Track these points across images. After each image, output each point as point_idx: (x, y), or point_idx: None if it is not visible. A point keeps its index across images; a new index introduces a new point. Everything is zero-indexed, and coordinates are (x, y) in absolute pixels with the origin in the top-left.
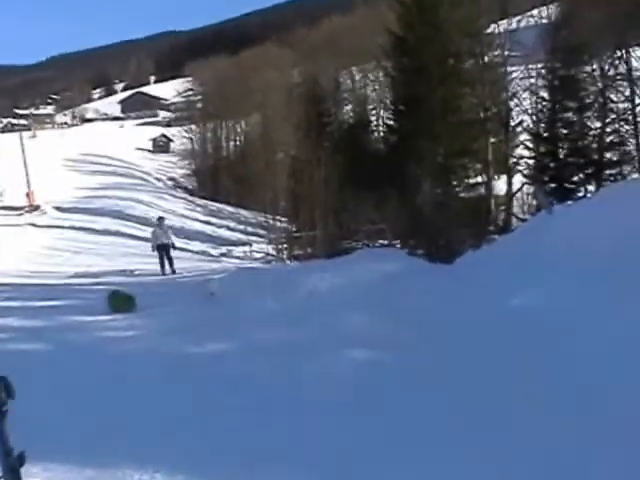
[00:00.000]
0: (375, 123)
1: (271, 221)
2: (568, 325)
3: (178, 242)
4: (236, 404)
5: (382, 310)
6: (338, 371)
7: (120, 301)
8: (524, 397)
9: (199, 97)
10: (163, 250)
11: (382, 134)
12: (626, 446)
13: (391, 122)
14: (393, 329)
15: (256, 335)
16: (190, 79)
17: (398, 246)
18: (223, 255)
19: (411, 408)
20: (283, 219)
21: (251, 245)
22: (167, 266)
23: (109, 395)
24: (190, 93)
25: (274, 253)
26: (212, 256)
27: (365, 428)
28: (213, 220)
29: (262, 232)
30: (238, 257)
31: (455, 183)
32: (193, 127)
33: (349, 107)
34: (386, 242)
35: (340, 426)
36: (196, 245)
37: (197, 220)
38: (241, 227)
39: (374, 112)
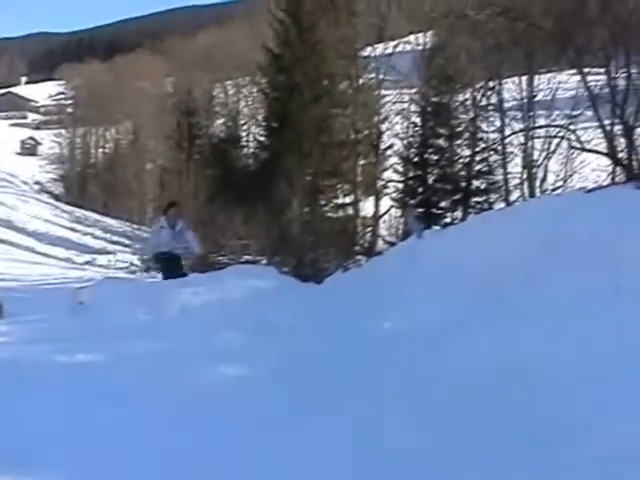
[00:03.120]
0: (246, 139)
1: (137, 231)
2: (437, 346)
3: (42, 247)
4: (107, 416)
5: (254, 327)
6: (210, 385)
7: None
8: (393, 411)
9: (70, 101)
10: (170, 263)
11: (253, 150)
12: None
13: (262, 139)
14: (265, 346)
15: (127, 347)
16: (62, 82)
17: (264, 262)
18: (87, 263)
19: (280, 424)
20: (149, 229)
21: (116, 254)
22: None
23: None
24: (61, 97)
25: (138, 263)
26: (76, 263)
27: (233, 443)
28: (78, 227)
29: (127, 241)
30: (102, 266)
31: (323, 202)
32: (63, 132)
33: (221, 121)
34: (251, 258)
35: (210, 441)
36: (60, 252)
37: (62, 226)
38: (106, 235)
39: (246, 128)
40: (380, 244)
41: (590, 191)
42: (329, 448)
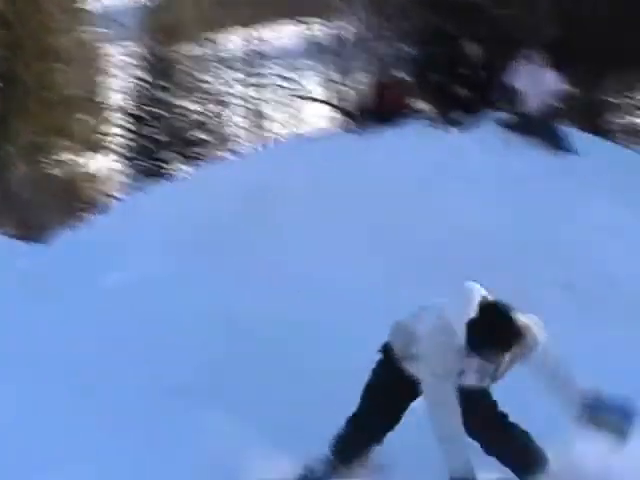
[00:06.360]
0: None
1: None
2: (161, 298)
3: None
4: None
5: None
6: None
7: None
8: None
9: None
10: None
11: None
12: None
13: None
14: None
15: None
16: None
17: None
18: None
19: None
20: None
21: None
22: None
23: None
24: None
25: None
26: None
27: None
28: None
29: None
30: None
31: (47, 161)
32: None
33: None
34: None
35: None
36: None
37: None
38: None
39: None
40: (106, 200)
41: (310, 139)
42: None
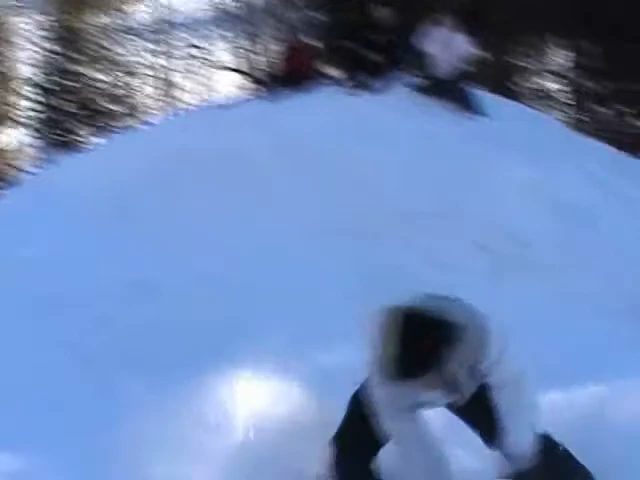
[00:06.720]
0: None
1: None
2: (75, 268)
3: None
4: None
5: None
6: None
7: None
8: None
9: None
10: None
11: None
12: None
13: None
14: None
15: None
16: None
17: None
18: None
19: None
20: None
21: None
22: None
23: None
24: None
25: None
26: None
27: None
28: None
29: None
30: None
31: None
32: None
33: None
34: None
35: None
36: None
37: None
38: None
39: None
40: (17, 174)
41: (221, 106)
42: None
